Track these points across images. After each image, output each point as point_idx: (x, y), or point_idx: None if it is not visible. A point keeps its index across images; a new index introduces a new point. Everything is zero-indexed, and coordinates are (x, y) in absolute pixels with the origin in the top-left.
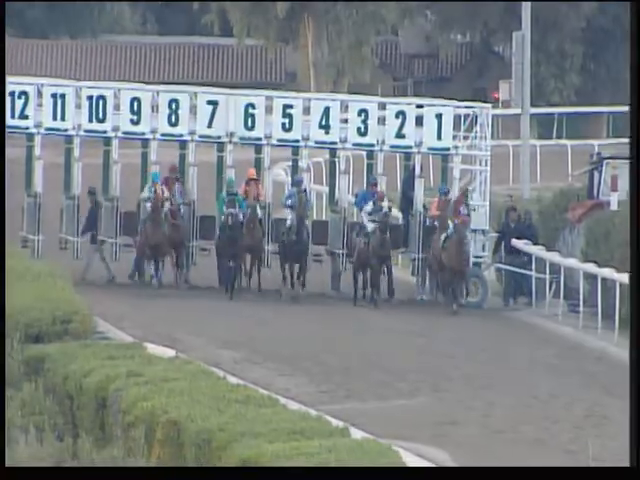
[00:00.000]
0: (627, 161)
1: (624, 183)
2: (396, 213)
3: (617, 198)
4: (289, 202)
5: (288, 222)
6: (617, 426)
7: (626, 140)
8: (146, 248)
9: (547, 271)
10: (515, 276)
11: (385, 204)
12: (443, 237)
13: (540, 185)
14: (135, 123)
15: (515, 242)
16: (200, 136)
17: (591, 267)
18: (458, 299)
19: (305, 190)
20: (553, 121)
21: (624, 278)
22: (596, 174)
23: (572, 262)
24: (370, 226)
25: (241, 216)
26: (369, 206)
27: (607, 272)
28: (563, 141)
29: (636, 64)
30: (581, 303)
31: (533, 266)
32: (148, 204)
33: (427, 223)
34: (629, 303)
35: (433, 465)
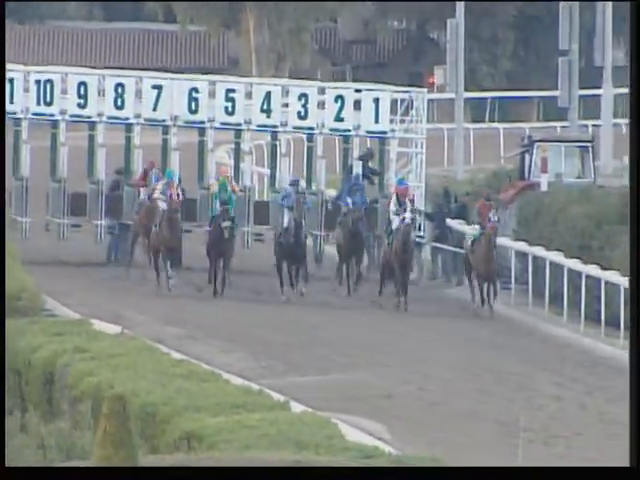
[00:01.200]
0: (557, 143)
1: (553, 165)
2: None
3: (547, 179)
4: (285, 202)
5: (285, 223)
6: (546, 398)
7: (555, 124)
8: (161, 249)
9: None
10: (451, 255)
11: (408, 215)
12: (470, 241)
13: (473, 167)
14: (82, 107)
15: (450, 222)
16: (145, 119)
17: (522, 246)
18: (490, 303)
19: (304, 193)
20: (486, 105)
21: (553, 256)
22: (527, 156)
23: (504, 241)
24: (395, 227)
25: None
26: (393, 205)
27: (537, 250)
28: (495, 124)
29: (636, 63)
30: (513, 280)
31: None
32: (163, 204)
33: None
34: (630, 304)
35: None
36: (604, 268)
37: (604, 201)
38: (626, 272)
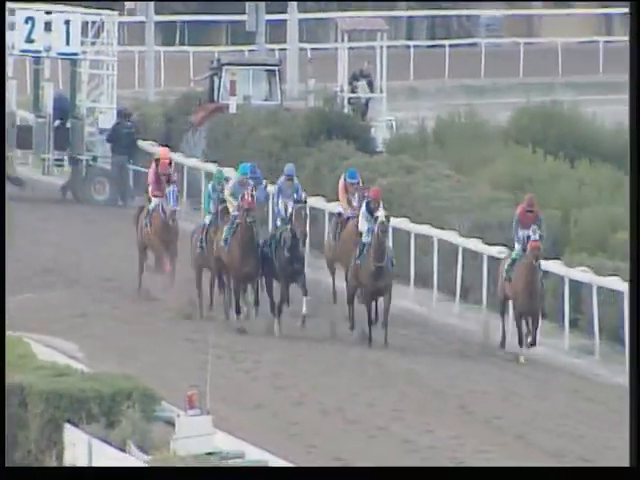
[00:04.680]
0: (244, 67)
1: (242, 88)
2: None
3: (236, 102)
4: (281, 213)
5: (278, 234)
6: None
7: (243, 48)
8: (233, 272)
9: None
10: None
11: (381, 212)
12: (507, 264)
13: (164, 89)
14: None
15: (142, 144)
16: None
17: (212, 167)
18: (533, 340)
19: (304, 200)
20: (176, 29)
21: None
22: (216, 79)
23: (193, 162)
24: (365, 240)
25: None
26: (364, 207)
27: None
28: (185, 48)
29: (636, 64)
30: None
31: None
32: (236, 220)
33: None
34: (629, 309)
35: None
36: None
37: (290, 123)
38: (311, 192)
